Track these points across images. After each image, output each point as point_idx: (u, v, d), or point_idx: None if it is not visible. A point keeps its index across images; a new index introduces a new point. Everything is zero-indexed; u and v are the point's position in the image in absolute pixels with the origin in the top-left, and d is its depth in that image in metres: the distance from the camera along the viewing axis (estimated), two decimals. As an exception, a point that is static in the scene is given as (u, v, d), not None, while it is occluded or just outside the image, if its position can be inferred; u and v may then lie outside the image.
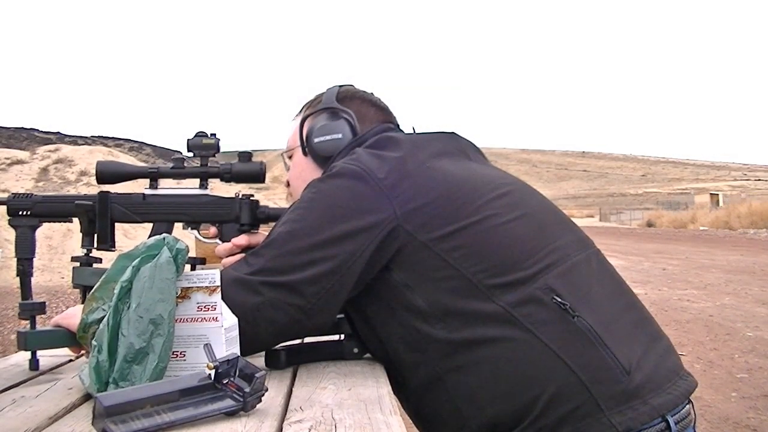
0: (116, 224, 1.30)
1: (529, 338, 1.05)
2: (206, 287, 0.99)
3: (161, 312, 0.93)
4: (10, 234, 1.28)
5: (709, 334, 5.67)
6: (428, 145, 1.22)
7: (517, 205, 1.18)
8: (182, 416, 0.80)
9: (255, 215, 1.32)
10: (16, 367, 1.24)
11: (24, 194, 1.28)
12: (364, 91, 1.38)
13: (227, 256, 1.28)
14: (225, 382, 0.85)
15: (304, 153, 1.34)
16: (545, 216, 1.22)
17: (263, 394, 0.87)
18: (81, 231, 1.28)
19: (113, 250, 1.28)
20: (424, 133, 1.29)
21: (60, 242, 12.87)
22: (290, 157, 1.39)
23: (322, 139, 1.30)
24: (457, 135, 1.29)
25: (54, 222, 1.30)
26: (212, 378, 0.85)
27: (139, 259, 0.97)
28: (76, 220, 1.30)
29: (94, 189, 1.33)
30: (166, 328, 0.92)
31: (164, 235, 1.02)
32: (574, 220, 1.30)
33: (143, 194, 1.30)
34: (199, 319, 0.99)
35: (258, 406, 0.86)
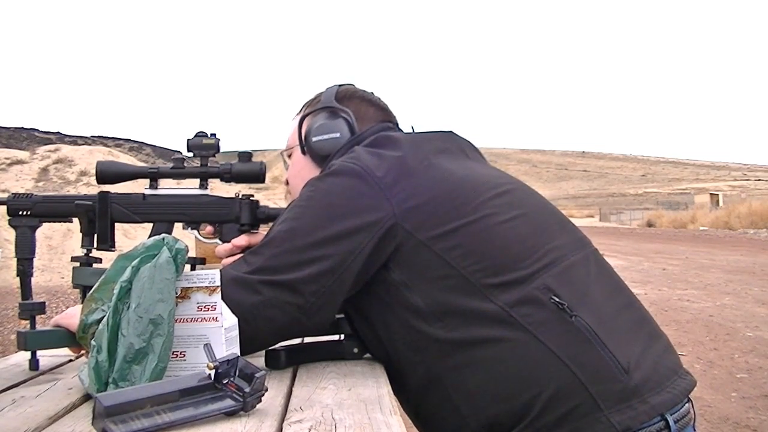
0: (116, 224, 1.30)
1: (528, 338, 1.05)
2: (206, 287, 0.99)
3: (161, 312, 0.93)
4: (10, 234, 1.28)
5: (709, 334, 5.67)
6: (427, 143, 1.22)
7: (515, 204, 1.18)
8: (182, 416, 0.80)
9: (255, 215, 1.32)
10: (16, 367, 1.24)
11: (24, 194, 1.28)
12: (364, 91, 1.39)
13: (227, 257, 1.28)
14: (225, 382, 0.85)
15: (303, 152, 1.34)
16: (543, 216, 1.22)
17: (263, 394, 0.87)
18: (81, 231, 1.28)
19: (113, 250, 1.28)
20: (422, 132, 1.30)
21: (60, 242, 12.86)
22: (289, 156, 1.40)
23: (320, 138, 1.30)
24: (455, 134, 1.29)
25: (54, 222, 1.30)
26: (212, 378, 0.85)
27: (138, 259, 0.97)
28: (76, 220, 1.30)
29: (94, 189, 1.33)
30: (165, 328, 0.92)
31: (164, 235, 1.01)
32: (573, 220, 1.30)
33: (143, 194, 1.30)
34: (199, 319, 0.99)
35: (258, 406, 0.86)
